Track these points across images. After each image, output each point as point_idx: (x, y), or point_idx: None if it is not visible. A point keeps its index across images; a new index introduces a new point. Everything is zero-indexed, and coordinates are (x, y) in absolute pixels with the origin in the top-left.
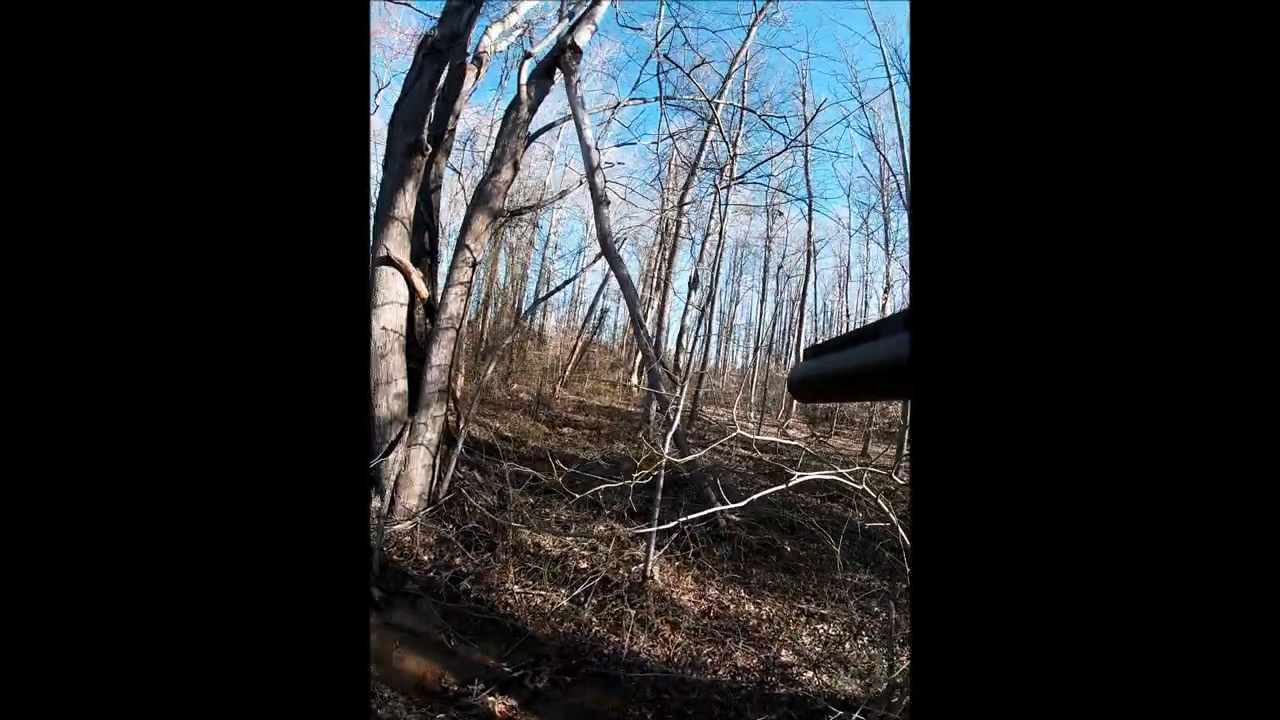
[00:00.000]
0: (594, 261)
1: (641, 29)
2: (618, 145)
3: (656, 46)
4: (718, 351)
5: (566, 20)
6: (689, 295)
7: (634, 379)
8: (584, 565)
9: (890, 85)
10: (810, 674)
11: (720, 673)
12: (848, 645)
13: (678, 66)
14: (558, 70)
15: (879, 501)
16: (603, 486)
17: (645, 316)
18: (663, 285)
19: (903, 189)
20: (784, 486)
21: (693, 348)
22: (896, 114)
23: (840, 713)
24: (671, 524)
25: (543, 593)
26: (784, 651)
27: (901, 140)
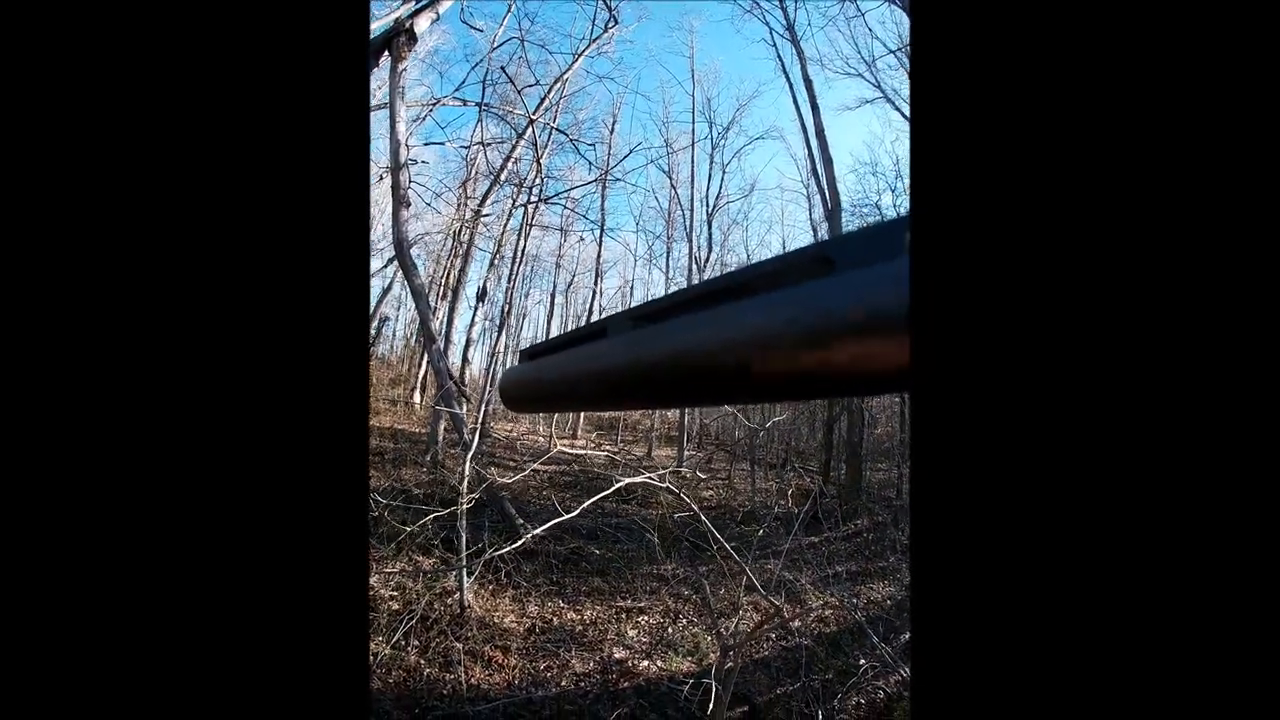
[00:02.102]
0: (384, 266)
1: (481, 30)
2: (425, 143)
3: (490, 52)
4: (505, 365)
5: (412, 2)
6: (476, 307)
7: (417, 396)
8: (396, 607)
9: (693, 129)
10: (645, 663)
11: (564, 683)
12: (670, 630)
13: (511, 82)
14: (386, 53)
15: (681, 496)
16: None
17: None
18: (451, 294)
19: (686, 222)
20: (609, 492)
21: (490, 363)
22: (693, 155)
23: (689, 684)
24: (490, 548)
25: None
26: (615, 649)
27: (694, 178)
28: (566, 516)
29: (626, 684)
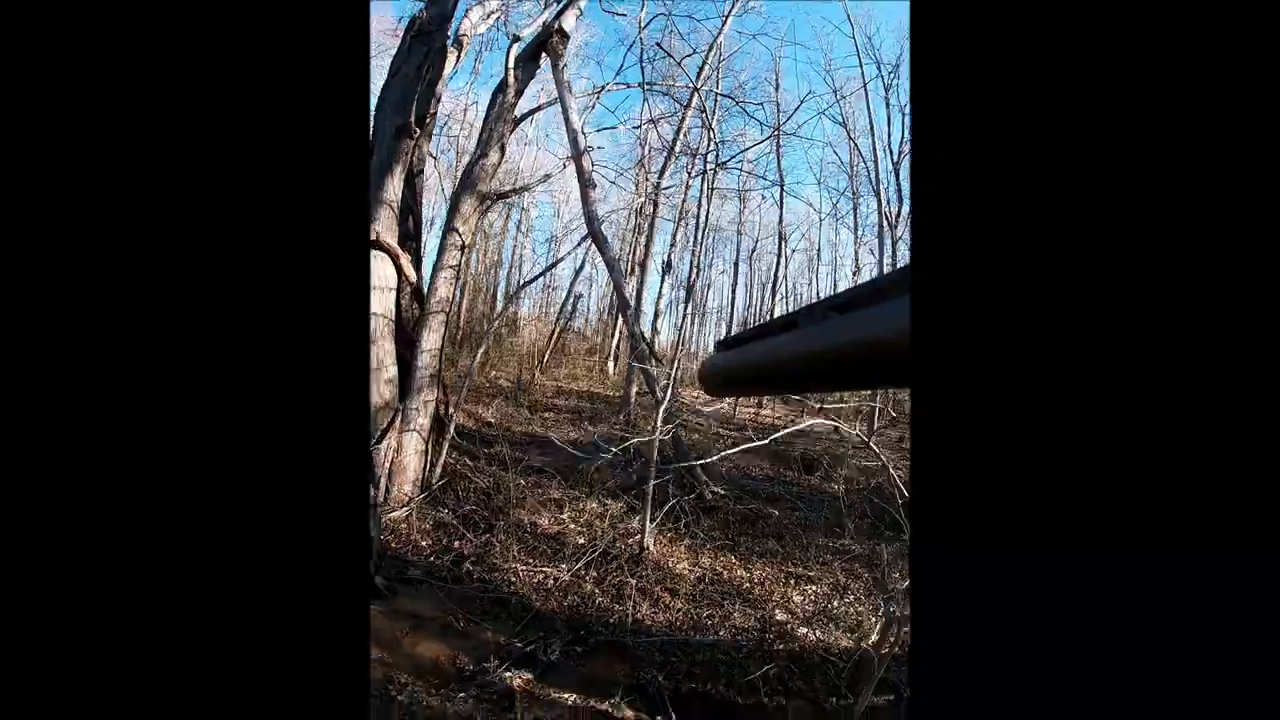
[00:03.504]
0: (579, 245)
1: (624, 14)
2: (599, 130)
3: (640, 32)
4: (693, 335)
5: (554, 4)
6: (663, 278)
7: (610, 364)
8: (581, 541)
9: (861, 73)
10: (804, 630)
11: (721, 633)
12: (836, 603)
13: (669, 55)
14: (544, 54)
15: (871, 445)
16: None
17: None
18: (639, 269)
19: (871, 174)
20: (799, 427)
21: (680, 330)
22: (868, 101)
23: (842, 659)
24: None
25: (545, 569)
26: (778, 611)
27: (872, 126)
28: (756, 444)
29: (782, 646)
